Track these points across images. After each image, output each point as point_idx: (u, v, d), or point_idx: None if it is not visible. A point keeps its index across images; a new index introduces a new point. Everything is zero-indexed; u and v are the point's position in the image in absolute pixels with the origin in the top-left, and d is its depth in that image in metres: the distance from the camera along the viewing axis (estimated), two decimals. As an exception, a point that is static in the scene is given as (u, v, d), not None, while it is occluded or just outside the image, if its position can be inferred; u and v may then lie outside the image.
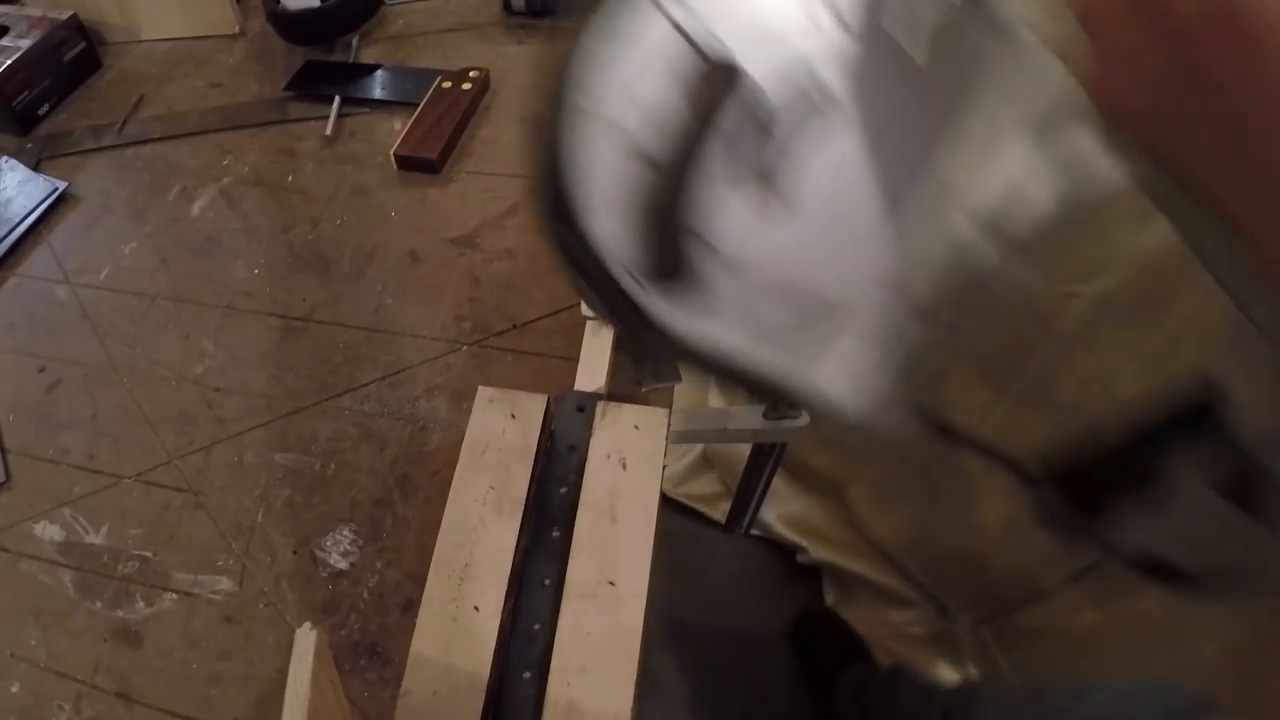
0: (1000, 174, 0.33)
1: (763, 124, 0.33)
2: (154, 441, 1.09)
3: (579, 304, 0.84)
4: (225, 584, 0.98)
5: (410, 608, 0.99)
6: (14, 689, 0.92)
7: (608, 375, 0.80)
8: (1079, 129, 0.30)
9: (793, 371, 0.38)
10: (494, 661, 0.49)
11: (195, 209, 1.33)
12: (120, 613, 0.97)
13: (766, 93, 0.32)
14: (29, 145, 1.47)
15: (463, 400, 0.59)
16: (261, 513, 1.04)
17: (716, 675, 0.95)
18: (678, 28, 0.33)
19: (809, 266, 0.36)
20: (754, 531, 1.31)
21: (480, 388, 0.60)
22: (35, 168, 1.41)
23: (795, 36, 0.32)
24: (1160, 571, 0.41)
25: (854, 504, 1.22)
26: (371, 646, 0.95)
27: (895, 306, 0.36)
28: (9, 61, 1.44)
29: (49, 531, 1.03)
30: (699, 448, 1.43)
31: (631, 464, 0.56)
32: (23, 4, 1.62)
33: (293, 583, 0.98)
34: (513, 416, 0.59)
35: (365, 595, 0.97)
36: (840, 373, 0.37)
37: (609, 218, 0.33)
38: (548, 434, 0.59)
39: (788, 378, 0.38)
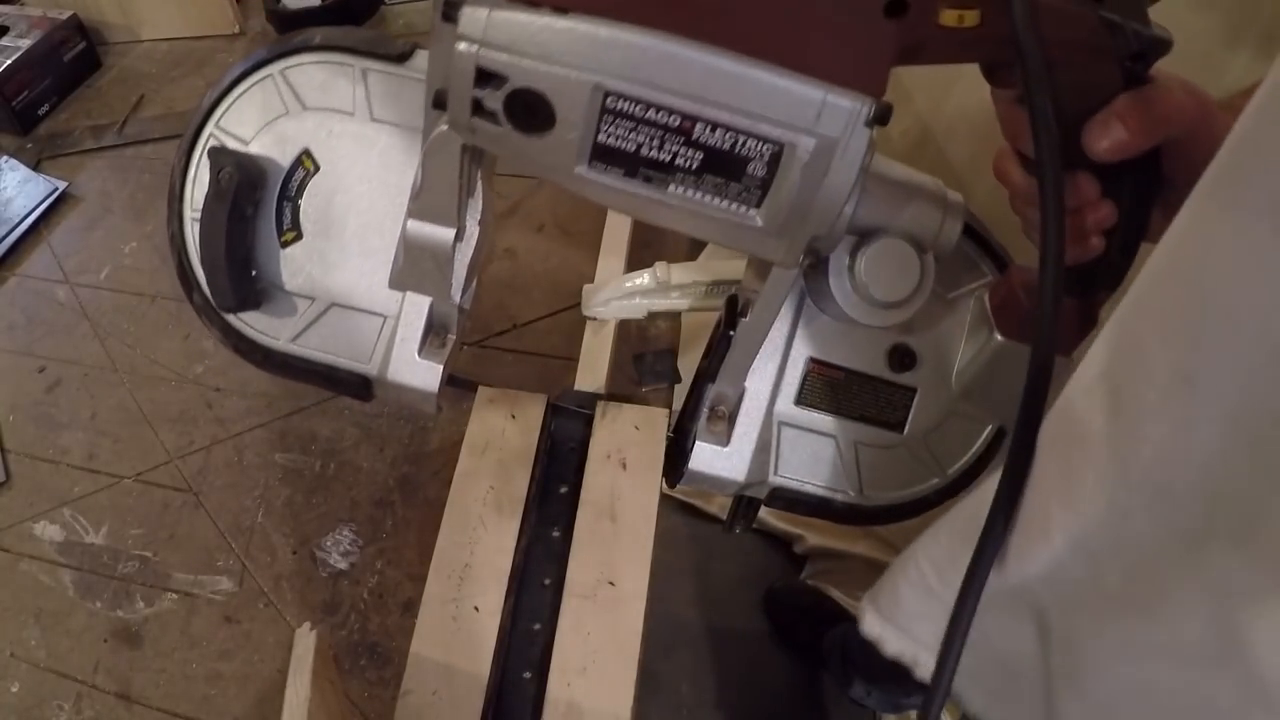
0: None
1: (258, 181, 0.46)
2: (154, 441, 1.09)
3: (579, 304, 0.84)
4: (225, 584, 0.98)
5: (410, 608, 0.99)
6: (14, 689, 0.92)
7: (608, 375, 0.80)
8: None
9: (379, 372, 0.49)
10: (494, 661, 0.49)
11: (195, 209, 1.34)
12: (120, 613, 0.97)
13: (265, 162, 0.47)
14: (29, 145, 1.47)
15: (462, 400, 0.59)
16: (261, 513, 1.04)
17: (716, 675, 0.95)
18: (212, 136, 0.48)
19: (347, 287, 0.49)
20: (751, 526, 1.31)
21: (480, 388, 0.60)
22: (35, 167, 1.41)
23: (301, 130, 0.48)
24: None
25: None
26: (371, 646, 0.95)
27: (417, 306, 0.49)
28: (9, 61, 1.44)
29: (49, 531, 1.03)
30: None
31: (631, 464, 0.56)
32: (23, 4, 1.62)
33: (293, 583, 0.98)
34: (513, 416, 0.59)
35: (365, 595, 0.97)
36: (409, 368, 0.49)
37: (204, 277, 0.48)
38: (548, 434, 0.59)
39: (376, 379, 0.49)
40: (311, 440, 1.08)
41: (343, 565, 0.99)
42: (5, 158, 1.42)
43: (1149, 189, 0.38)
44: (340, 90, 0.48)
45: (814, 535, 1.12)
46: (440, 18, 0.33)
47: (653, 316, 0.83)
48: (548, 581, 0.53)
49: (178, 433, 1.10)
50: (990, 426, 0.50)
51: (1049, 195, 0.33)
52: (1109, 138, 0.36)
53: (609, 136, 0.34)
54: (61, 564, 1.01)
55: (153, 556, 1.00)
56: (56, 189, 1.37)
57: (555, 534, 0.55)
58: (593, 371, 0.81)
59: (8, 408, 1.14)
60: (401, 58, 0.46)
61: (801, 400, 0.49)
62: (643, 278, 0.79)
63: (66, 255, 1.31)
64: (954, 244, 0.42)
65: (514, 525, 0.53)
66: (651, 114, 0.33)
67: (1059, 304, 0.34)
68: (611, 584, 0.51)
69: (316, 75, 0.48)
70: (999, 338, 0.46)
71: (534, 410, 0.58)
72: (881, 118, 0.32)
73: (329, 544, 1.00)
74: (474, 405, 0.59)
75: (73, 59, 1.55)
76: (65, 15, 1.53)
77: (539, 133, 0.35)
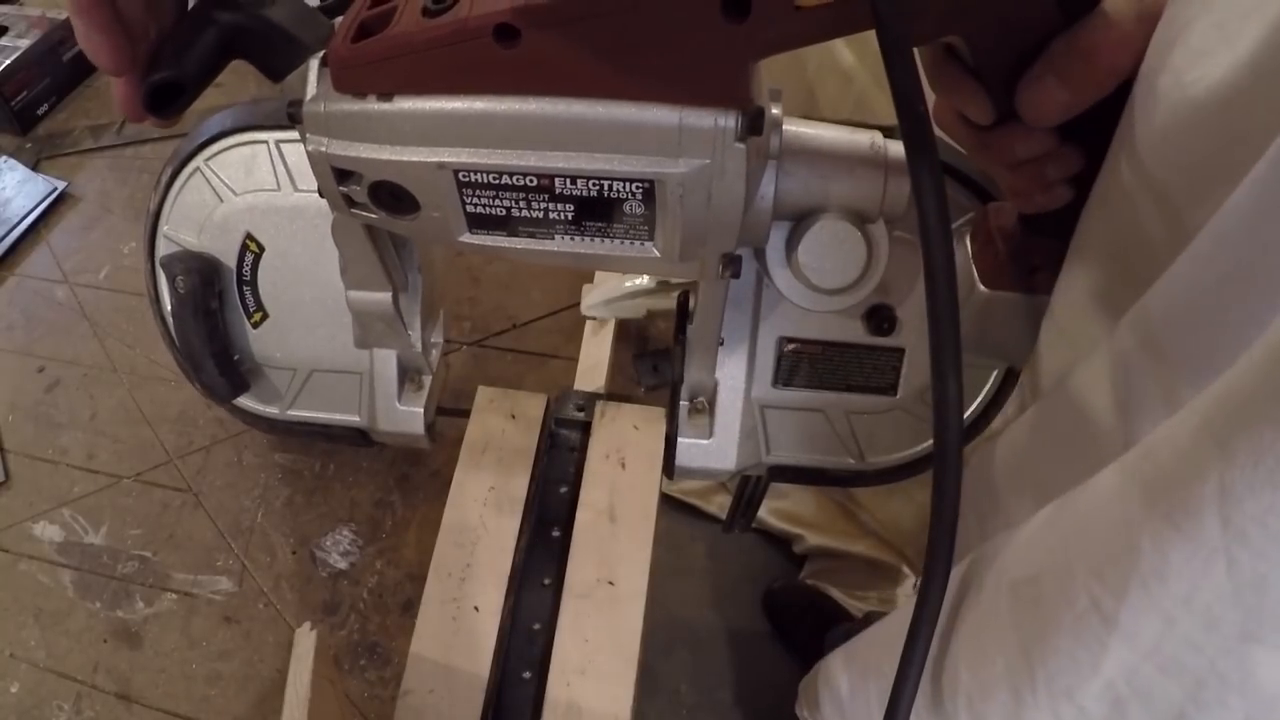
0: None
1: (212, 277, 0.48)
2: (154, 441, 1.09)
3: (579, 304, 0.84)
4: (225, 584, 0.98)
5: (410, 608, 0.99)
6: (14, 689, 0.92)
7: (607, 375, 0.80)
8: None
9: (368, 423, 0.52)
10: (494, 661, 0.49)
11: (195, 209, 1.34)
12: (120, 613, 0.97)
13: (215, 256, 0.49)
14: (28, 145, 1.47)
15: (462, 400, 0.59)
16: (261, 513, 1.04)
17: (716, 675, 0.95)
18: (165, 239, 0.51)
19: (320, 353, 0.51)
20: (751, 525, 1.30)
21: (480, 388, 0.60)
22: (34, 167, 1.41)
23: (239, 214, 0.49)
24: None
25: (854, 491, 1.21)
26: (371, 646, 0.95)
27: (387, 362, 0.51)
28: (8, 61, 1.44)
29: (49, 531, 1.03)
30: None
31: (631, 464, 0.56)
32: (22, 4, 1.62)
33: (292, 583, 0.98)
34: (513, 416, 0.59)
35: (365, 595, 0.97)
36: (393, 416, 0.51)
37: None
38: (548, 434, 0.59)
39: (369, 429, 0.52)
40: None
41: (343, 565, 0.99)
42: (4, 157, 1.42)
43: (1118, 122, 0.31)
44: (261, 168, 0.49)
45: (814, 535, 1.12)
46: (289, 119, 0.32)
47: (653, 316, 0.83)
48: (547, 581, 0.53)
49: (177, 433, 1.10)
50: (997, 370, 0.46)
51: (930, 221, 0.26)
52: (1045, 101, 0.29)
53: (476, 207, 0.33)
54: (61, 564, 1.01)
55: (152, 556, 1.00)
56: (56, 189, 1.37)
57: (555, 534, 0.55)
58: (592, 371, 0.81)
59: (7, 407, 1.14)
60: None
61: (780, 381, 0.47)
62: (642, 278, 0.79)
63: (66, 255, 1.31)
64: (905, 204, 0.38)
65: (514, 525, 0.53)
66: (506, 179, 0.31)
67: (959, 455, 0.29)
68: (611, 584, 0.51)
69: (236, 159, 0.50)
70: (983, 288, 0.41)
71: (534, 410, 0.58)
72: (754, 127, 0.28)
73: (329, 544, 1.00)
74: (474, 405, 0.59)
75: (72, 59, 1.55)
76: (64, 15, 1.53)
77: (411, 214, 0.34)
